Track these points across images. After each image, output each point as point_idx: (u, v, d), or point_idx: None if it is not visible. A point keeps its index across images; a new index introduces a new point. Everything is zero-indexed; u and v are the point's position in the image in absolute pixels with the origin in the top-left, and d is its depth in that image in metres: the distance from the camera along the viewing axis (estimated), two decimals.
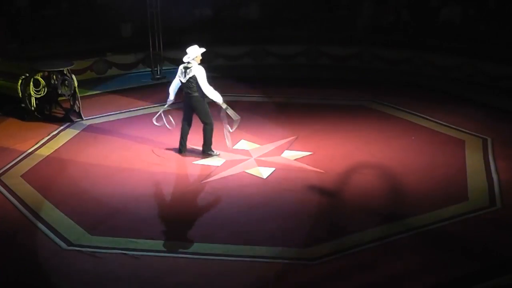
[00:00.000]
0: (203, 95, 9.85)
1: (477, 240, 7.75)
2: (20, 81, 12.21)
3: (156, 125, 10.38)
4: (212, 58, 14.95)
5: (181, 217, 8.41)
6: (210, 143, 10.15)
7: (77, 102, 12.36)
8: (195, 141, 10.48)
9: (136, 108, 12.88)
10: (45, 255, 7.55)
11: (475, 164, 9.88)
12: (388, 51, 15.71)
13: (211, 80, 9.98)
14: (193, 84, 9.79)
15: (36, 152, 10.57)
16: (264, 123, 11.48)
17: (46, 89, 12.06)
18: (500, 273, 7.11)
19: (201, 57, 9.90)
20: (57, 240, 7.84)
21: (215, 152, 10.16)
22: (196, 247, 7.71)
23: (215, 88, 9.90)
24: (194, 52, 9.80)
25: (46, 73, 12.12)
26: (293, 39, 16.31)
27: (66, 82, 12.10)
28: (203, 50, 9.89)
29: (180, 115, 10.28)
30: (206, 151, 10.16)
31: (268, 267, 7.25)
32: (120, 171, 9.81)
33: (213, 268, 7.31)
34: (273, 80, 14.45)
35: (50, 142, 11.04)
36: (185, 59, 9.85)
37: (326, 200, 8.82)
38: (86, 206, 8.70)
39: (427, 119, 11.94)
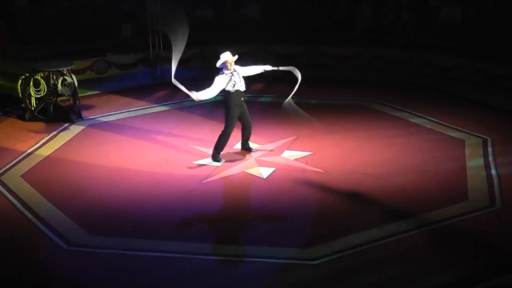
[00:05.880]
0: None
1: (477, 240, 7.74)
2: (20, 81, 12.22)
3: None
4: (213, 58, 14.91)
5: (181, 217, 8.40)
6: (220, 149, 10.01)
7: (77, 102, 12.37)
8: (195, 141, 10.49)
9: (136, 108, 12.89)
10: (45, 255, 7.56)
11: (475, 164, 9.87)
12: (388, 51, 15.70)
13: (210, 81, 9.94)
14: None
15: (36, 152, 10.56)
16: (264, 123, 11.46)
17: (46, 89, 12.06)
18: (500, 273, 7.10)
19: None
20: (57, 240, 7.84)
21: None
22: (196, 247, 7.69)
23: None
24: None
25: (46, 73, 12.12)
26: (293, 39, 16.31)
27: (66, 82, 12.10)
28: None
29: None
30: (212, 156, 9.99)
31: (268, 267, 7.25)
32: (120, 171, 9.81)
33: (212, 268, 7.31)
34: (273, 80, 14.41)
35: (50, 142, 11.04)
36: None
37: (326, 200, 8.80)
38: (86, 206, 8.69)
39: (427, 119, 11.93)
